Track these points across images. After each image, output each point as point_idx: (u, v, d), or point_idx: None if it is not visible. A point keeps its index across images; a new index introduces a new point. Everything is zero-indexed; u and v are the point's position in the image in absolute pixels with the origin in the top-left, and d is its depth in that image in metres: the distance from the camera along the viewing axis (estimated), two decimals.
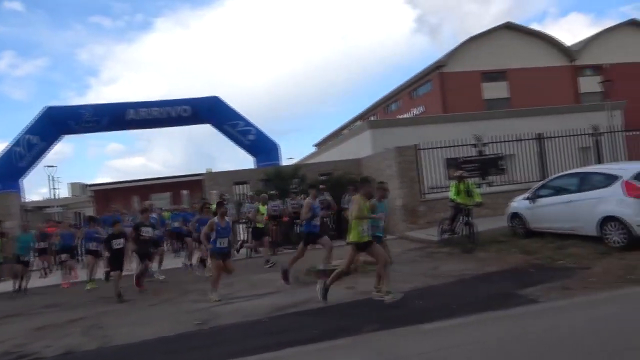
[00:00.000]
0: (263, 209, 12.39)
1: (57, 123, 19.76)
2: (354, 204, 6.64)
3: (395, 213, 14.36)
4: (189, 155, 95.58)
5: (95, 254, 11.00)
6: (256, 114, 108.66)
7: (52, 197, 30.24)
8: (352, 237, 6.65)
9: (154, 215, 12.05)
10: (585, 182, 9.13)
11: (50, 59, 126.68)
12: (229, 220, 8.80)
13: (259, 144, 20.77)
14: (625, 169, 8.61)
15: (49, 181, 27.10)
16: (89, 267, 11.02)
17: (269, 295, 7.99)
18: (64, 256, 12.03)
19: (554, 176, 11.01)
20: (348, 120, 51.08)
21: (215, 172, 17.09)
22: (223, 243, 8.09)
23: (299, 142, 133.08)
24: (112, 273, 9.31)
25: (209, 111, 20.48)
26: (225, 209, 8.50)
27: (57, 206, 29.08)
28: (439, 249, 11.18)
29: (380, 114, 44.97)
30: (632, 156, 16.90)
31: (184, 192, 33.08)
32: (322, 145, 48.40)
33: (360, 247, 6.63)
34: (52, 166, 25.99)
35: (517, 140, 15.34)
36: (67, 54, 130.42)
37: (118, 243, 9.18)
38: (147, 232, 9.83)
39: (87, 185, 35.41)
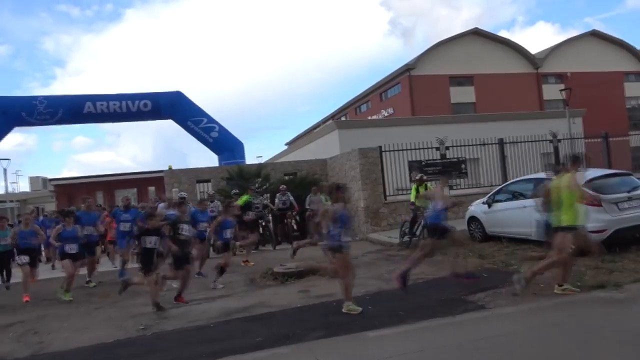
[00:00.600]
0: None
1: (8, 114, 18.72)
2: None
3: (358, 215, 14.28)
4: (159, 152, 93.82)
5: (74, 258, 8.98)
6: (229, 112, 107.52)
7: (7, 191, 28.93)
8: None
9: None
10: (540, 188, 9.17)
11: (14, 47, 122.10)
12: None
13: (223, 142, 20.35)
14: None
15: (4, 175, 25.83)
16: (68, 274, 8.87)
17: (221, 299, 7.73)
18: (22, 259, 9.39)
19: (510, 181, 11.11)
20: (320, 119, 51.00)
21: (176, 170, 16.63)
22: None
23: (273, 140, 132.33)
24: (146, 278, 7.33)
25: (171, 106, 19.90)
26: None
27: (12, 201, 27.87)
28: (399, 251, 11.12)
29: (351, 115, 45.04)
30: (591, 163, 17.29)
31: (151, 188, 32.27)
32: (293, 144, 48.14)
33: None
34: (6, 159, 24.84)
35: (478, 145, 15.47)
36: (31, 42, 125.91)
37: (151, 241, 7.35)
38: (185, 230, 7.88)
39: (49, 180, 34.14)
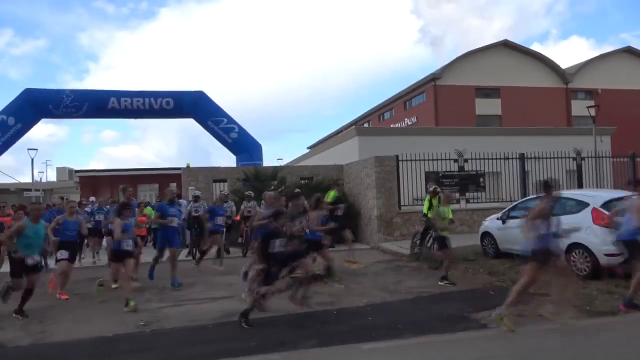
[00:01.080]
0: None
1: (36, 106, 19.34)
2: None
3: (371, 223, 14.16)
4: (184, 148, 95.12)
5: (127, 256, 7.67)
6: (252, 114, 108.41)
7: (34, 180, 29.74)
8: None
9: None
10: (557, 207, 8.92)
11: (50, 41, 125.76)
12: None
13: (242, 143, 20.49)
14: (595, 196, 8.44)
15: (32, 164, 26.60)
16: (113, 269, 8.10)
17: (223, 300, 7.75)
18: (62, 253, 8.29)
19: (526, 198, 10.85)
20: (344, 124, 50.98)
21: (194, 168, 16.81)
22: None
23: (296, 143, 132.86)
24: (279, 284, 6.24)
25: (192, 105, 20.17)
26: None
27: (37, 190, 28.63)
28: (408, 262, 10.98)
29: (374, 121, 44.89)
30: (618, 183, 16.79)
31: (173, 184, 32.75)
32: (314, 148, 48.22)
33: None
34: (33, 149, 25.59)
35: (497, 159, 15.18)
36: (67, 37, 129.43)
37: (281, 244, 6.19)
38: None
39: (74, 171, 34.97)
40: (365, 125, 45.89)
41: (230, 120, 20.46)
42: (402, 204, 14.38)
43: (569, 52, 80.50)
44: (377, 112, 44.32)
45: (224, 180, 16.40)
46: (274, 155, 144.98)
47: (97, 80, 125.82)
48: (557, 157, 15.66)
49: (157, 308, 7.32)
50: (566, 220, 8.41)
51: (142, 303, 7.60)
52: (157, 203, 13.09)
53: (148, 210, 12.18)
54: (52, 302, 7.96)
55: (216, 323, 6.36)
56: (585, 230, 8.01)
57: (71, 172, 36.13)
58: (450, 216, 10.47)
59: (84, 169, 34.19)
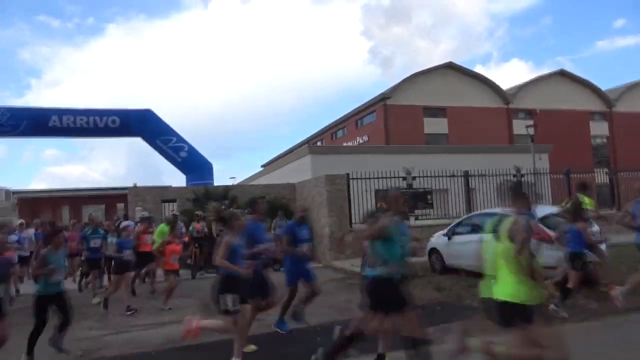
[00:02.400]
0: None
1: None
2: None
3: (323, 241, 14.23)
4: (133, 167, 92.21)
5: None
6: (204, 131, 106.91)
7: None
8: None
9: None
10: (497, 222, 9.32)
11: None
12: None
13: (192, 162, 20.18)
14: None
15: None
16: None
17: (170, 325, 7.50)
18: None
19: (470, 214, 11.27)
20: (297, 142, 51.22)
21: (141, 187, 16.37)
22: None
23: (249, 162, 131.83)
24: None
25: (140, 124, 19.69)
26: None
27: None
28: (361, 280, 11.06)
29: (327, 140, 45.34)
30: (556, 199, 17.74)
31: (120, 204, 31.62)
32: (268, 166, 48.12)
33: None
34: None
35: (442, 176, 15.70)
36: (6, 51, 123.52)
37: None
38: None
39: (12, 192, 33.10)
40: (319, 143, 46.27)
41: (180, 139, 20.12)
42: (353, 222, 14.54)
43: (510, 73, 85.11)
44: (330, 131, 44.84)
45: (173, 200, 16.05)
46: (226, 174, 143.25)
47: (40, 97, 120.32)
48: (498, 175, 16.39)
49: (98, 336, 7.01)
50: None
51: (85, 330, 7.26)
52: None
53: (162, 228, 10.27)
54: None
55: (160, 350, 6.17)
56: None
57: (8, 193, 34.19)
58: None
59: (23, 190, 32.46)
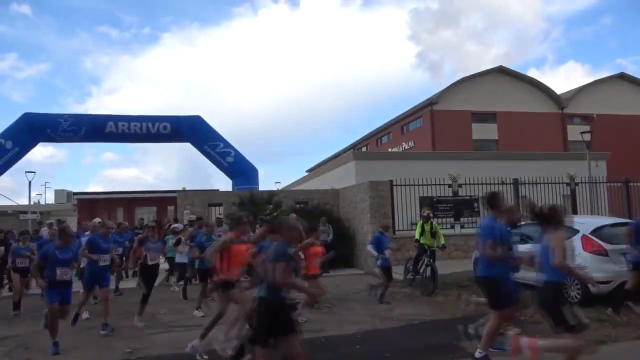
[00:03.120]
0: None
1: (34, 130, 19.53)
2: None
3: (365, 248, 14.13)
4: (183, 171, 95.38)
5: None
6: (251, 136, 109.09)
7: (30, 202, 29.73)
8: None
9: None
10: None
11: (53, 64, 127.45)
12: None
13: (238, 167, 20.63)
14: (585, 223, 8.46)
15: (29, 186, 26.67)
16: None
17: (217, 326, 7.63)
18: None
19: (520, 223, 10.84)
20: (342, 147, 51.36)
21: (189, 191, 16.94)
22: None
23: (295, 167, 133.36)
24: None
25: (189, 130, 20.38)
26: None
27: (34, 212, 28.61)
28: (401, 289, 10.92)
29: (372, 145, 45.16)
30: (613, 208, 16.85)
31: (170, 207, 32.76)
32: (312, 171, 48.50)
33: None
34: (31, 172, 25.68)
35: (491, 184, 15.23)
36: (70, 61, 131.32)
37: None
38: None
39: (72, 194, 34.98)
40: (364, 148, 46.16)
41: (227, 144, 20.66)
42: (396, 228, 14.38)
43: (566, 77, 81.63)
44: (376, 136, 44.65)
45: (220, 205, 16.43)
46: (272, 179, 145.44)
47: (99, 103, 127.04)
48: (550, 183, 15.73)
49: (145, 335, 7.25)
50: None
51: (130, 329, 7.55)
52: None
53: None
54: (40, 327, 7.89)
55: (203, 351, 6.29)
56: (575, 257, 7.99)
57: (69, 195, 36.18)
58: (443, 241, 10.53)
59: (82, 191, 34.23)
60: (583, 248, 7.94)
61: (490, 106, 34.59)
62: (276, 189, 23.00)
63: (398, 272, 12.22)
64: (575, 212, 15.79)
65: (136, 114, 20.48)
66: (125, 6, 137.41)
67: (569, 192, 16.28)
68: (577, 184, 16.15)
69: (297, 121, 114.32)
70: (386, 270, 9.56)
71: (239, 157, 20.75)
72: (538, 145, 29.89)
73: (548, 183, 15.77)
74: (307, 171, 54.59)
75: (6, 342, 7.05)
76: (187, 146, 21.79)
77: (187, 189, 17.39)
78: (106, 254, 7.75)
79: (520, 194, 15.77)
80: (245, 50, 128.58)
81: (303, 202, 16.89)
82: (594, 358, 4.74)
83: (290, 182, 35.09)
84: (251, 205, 15.19)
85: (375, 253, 9.66)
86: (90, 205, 31.03)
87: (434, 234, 10.53)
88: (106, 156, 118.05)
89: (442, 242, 10.54)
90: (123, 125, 19.73)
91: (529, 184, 15.60)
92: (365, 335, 6.86)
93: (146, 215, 30.33)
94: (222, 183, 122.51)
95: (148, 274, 8.03)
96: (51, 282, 6.41)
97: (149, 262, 7.96)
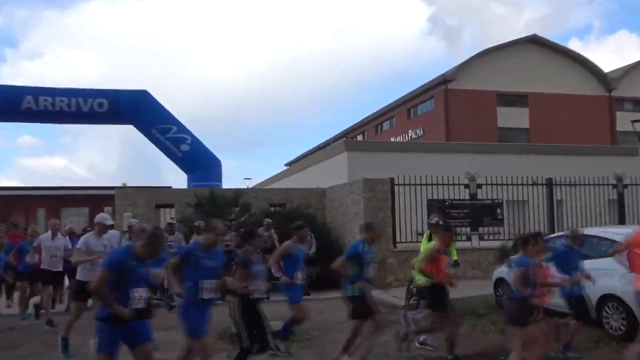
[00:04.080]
0: None
1: None
2: None
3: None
4: (125, 162, 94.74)
5: None
6: (215, 121, 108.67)
7: None
8: None
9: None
10: (588, 247, 9.04)
11: None
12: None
13: (195, 157, 20.59)
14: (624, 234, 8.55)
15: None
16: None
17: None
18: None
19: (552, 235, 10.96)
20: (331, 136, 51.50)
21: (131, 188, 16.79)
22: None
23: (271, 159, 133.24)
24: None
25: (132, 108, 20.21)
26: None
27: None
28: (403, 317, 10.95)
29: (370, 134, 45.37)
30: None
31: (108, 209, 32.40)
32: (293, 165, 48.49)
33: None
34: None
35: (519, 185, 15.38)
36: None
37: None
38: None
39: None
40: (360, 137, 46.34)
41: (182, 128, 20.56)
42: (397, 240, 14.42)
43: (616, 51, 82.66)
44: (374, 122, 44.84)
45: (171, 206, 16.31)
46: (241, 174, 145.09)
47: (16, 70, 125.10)
48: (594, 184, 15.93)
49: None
50: (595, 265, 8.56)
51: None
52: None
53: None
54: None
55: None
56: (620, 278, 8.10)
57: None
58: (455, 257, 10.57)
59: None
60: (630, 267, 8.02)
61: (521, 86, 34.90)
62: (245, 187, 22.94)
63: (400, 296, 12.29)
64: (622, 220, 16.01)
65: (64, 86, 20.23)
66: None
67: (615, 196, 16.48)
68: (625, 186, 16.36)
69: (274, 102, 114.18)
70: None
71: (197, 144, 20.65)
72: (579, 137, 30.27)
73: (590, 184, 15.96)
74: (286, 165, 54.67)
75: None
76: (130, 130, 21.61)
77: (128, 185, 17.15)
78: None
79: (554, 198, 15.94)
80: (210, 7, 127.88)
81: (279, 204, 16.82)
82: None
83: (264, 178, 35.09)
84: (211, 207, 15.12)
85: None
86: (1, 204, 30.59)
87: None
88: (23, 140, 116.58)
89: (455, 258, 10.56)
90: (46, 100, 19.39)
91: (566, 185, 15.78)
92: None
93: (76, 219, 30.00)
94: (175, 178, 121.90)
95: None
96: None
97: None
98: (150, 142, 21.14)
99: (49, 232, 10.53)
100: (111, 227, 12.59)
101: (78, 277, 8.33)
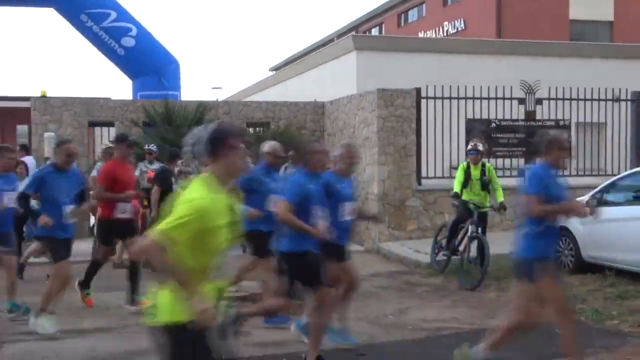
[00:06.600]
0: None
1: None
2: None
3: (369, 208, 14.41)
4: (49, 64, 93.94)
5: None
6: (169, 7, 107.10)
7: None
8: None
9: None
10: None
11: None
12: None
13: (143, 57, 20.53)
14: None
15: None
16: None
17: (93, 336, 7.97)
18: None
19: (631, 171, 11.16)
20: (335, 31, 51.03)
21: (55, 99, 16.65)
22: None
23: (250, 63, 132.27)
24: None
25: None
26: None
27: None
28: (427, 277, 11.34)
29: (389, 26, 45.03)
30: None
31: (23, 126, 32.51)
32: (280, 71, 48.25)
33: None
34: None
35: (594, 100, 15.43)
36: None
37: None
38: None
39: None
40: (374, 32, 45.93)
41: (124, 15, 20.35)
42: (423, 175, 14.63)
43: None
44: (396, 9, 44.31)
45: (110, 124, 16.47)
46: (208, 82, 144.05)
47: None
48: None
49: None
50: None
51: None
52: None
53: None
54: None
55: None
56: None
57: None
58: (501, 198, 10.79)
59: None
60: None
61: None
62: (214, 100, 22.90)
63: (423, 250, 12.61)
64: None
65: None
66: None
67: None
68: None
69: None
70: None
71: (145, 38, 20.60)
72: None
73: None
74: (271, 70, 54.40)
75: None
76: (53, 16, 21.32)
77: (49, 95, 17.01)
78: None
79: None
80: None
81: (260, 122, 16.94)
82: None
83: (241, 89, 35.00)
84: (165, 126, 15.24)
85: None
86: None
87: (486, 186, 10.75)
88: None
89: (501, 199, 10.79)
90: None
91: None
92: (358, 354, 7.17)
93: None
94: (116, 87, 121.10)
95: None
96: None
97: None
98: (79, 33, 20.94)
99: None
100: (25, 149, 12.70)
101: None
